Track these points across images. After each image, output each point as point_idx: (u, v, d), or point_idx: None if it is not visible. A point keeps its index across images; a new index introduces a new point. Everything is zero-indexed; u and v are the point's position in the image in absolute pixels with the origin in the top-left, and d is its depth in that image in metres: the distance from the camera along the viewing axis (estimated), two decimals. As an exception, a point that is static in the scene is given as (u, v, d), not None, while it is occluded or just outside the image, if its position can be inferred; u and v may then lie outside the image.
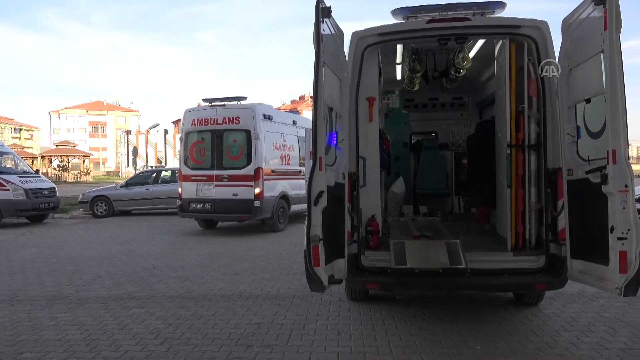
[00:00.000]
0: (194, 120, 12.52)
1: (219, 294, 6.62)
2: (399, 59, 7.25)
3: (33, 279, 7.75)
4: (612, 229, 3.83)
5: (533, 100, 4.96)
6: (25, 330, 5.23)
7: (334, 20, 4.58)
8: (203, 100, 12.99)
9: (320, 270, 4.06)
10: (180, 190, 12.71)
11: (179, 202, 12.73)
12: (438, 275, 4.77)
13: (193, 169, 12.50)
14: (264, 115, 12.34)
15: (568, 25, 4.55)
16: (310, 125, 14.92)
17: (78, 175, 55.17)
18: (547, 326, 5.13)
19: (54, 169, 56.61)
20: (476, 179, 6.42)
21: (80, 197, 18.15)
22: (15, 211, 14.86)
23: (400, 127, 8.45)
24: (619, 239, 3.77)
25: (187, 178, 12.54)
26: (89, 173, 57.98)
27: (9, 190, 14.55)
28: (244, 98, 12.70)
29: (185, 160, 12.69)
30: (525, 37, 4.87)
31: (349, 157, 5.02)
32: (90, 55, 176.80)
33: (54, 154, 61.32)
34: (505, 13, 5.19)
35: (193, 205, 12.40)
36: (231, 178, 11.98)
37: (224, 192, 11.98)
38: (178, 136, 14.64)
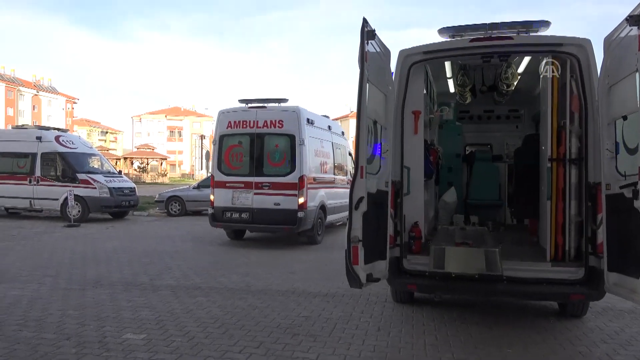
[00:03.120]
0: (230, 122, 11.40)
1: (274, 289, 7.18)
2: (448, 74, 7.53)
3: (114, 267, 8.74)
4: None
5: (575, 116, 5.11)
6: (106, 309, 6.05)
7: (379, 39, 5.00)
8: (239, 101, 11.81)
9: (358, 268, 4.48)
10: (212, 197, 11.48)
11: (210, 211, 11.54)
12: (474, 281, 5.04)
13: (228, 175, 11.35)
14: (307, 120, 11.41)
15: (609, 43, 4.68)
16: (340, 131, 14.33)
17: (156, 176, 58.74)
18: (587, 337, 5.21)
19: (135, 170, 60.55)
20: (522, 190, 6.56)
21: (156, 197, 19.62)
22: (101, 207, 16.38)
23: (454, 139, 8.67)
24: None
25: (221, 185, 11.37)
26: (165, 175, 61.56)
27: (95, 188, 16.09)
28: (285, 100, 11.65)
29: (219, 166, 11.51)
30: (567, 55, 5.04)
31: (393, 167, 5.40)
32: (170, 63, 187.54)
33: (135, 156, 65.62)
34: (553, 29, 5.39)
35: (228, 215, 11.26)
36: (273, 186, 10.95)
37: (264, 201, 10.95)
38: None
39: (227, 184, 11.27)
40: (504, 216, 8.89)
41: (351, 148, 14.76)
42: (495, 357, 4.60)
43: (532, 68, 6.78)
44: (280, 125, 11.04)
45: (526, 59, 6.57)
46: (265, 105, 11.40)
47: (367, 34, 4.61)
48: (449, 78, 7.75)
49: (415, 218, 5.77)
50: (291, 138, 10.95)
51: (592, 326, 5.59)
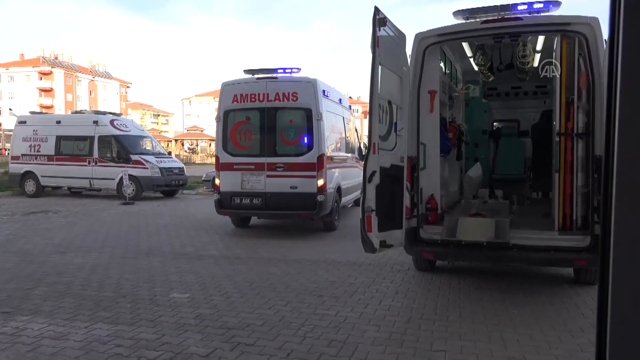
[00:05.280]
0: (235, 95, 9.86)
1: (307, 259, 7.80)
2: (468, 54, 7.76)
3: (164, 239, 9.64)
4: None
5: (582, 92, 5.34)
6: (157, 274, 6.86)
7: (392, 24, 5.38)
8: (245, 72, 10.35)
9: (372, 235, 4.99)
10: (218, 181, 10.21)
11: (216, 197, 10.21)
12: (483, 248, 5.44)
13: (236, 155, 9.99)
14: (323, 92, 10.02)
15: None
16: (348, 105, 13.38)
17: (205, 157, 60.83)
18: (594, 301, 5.51)
19: (185, 151, 62.94)
20: (539, 164, 6.81)
21: (204, 176, 20.67)
22: (152, 186, 17.55)
23: (480, 115, 8.91)
24: None
25: (227, 167, 10.01)
26: (214, 155, 63.53)
27: (147, 168, 17.24)
28: (297, 70, 10.28)
29: (224, 145, 10.12)
30: (575, 34, 5.26)
31: (409, 143, 5.82)
32: (217, 44, 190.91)
33: (185, 138, 68.15)
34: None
35: (237, 200, 9.94)
36: (288, 167, 9.62)
37: (278, 184, 9.63)
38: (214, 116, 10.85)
39: (234, 166, 9.95)
40: (530, 190, 9.09)
41: (357, 124, 14.04)
42: (500, 316, 5.02)
43: (549, 45, 6.94)
44: (294, 98, 9.64)
45: (541, 38, 6.74)
46: (276, 75, 10.02)
47: (379, 21, 5.01)
48: (470, 57, 7.98)
49: (431, 191, 6.19)
50: (307, 112, 9.61)
51: (603, 292, 5.87)
